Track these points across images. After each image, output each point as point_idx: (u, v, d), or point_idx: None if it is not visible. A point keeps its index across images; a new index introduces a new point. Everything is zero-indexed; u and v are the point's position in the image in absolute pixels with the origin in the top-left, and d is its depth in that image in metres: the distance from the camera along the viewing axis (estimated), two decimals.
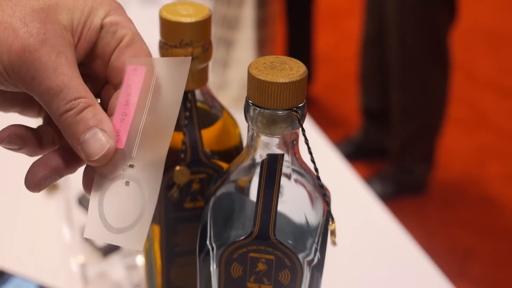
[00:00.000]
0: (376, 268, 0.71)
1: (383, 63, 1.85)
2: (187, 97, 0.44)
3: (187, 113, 0.44)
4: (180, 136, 0.44)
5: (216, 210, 0.41)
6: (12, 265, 0.67)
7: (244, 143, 0.48)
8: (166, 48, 0.42)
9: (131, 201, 0.34)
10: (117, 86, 0.36)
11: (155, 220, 0.47)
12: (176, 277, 0.49)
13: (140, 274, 0.67)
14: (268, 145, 0.39)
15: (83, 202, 0.73)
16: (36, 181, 0.35)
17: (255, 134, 0.39)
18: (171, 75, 0.35)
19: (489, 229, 1.80)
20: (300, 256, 0.38)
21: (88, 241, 0.70)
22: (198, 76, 0.44)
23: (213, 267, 0.40)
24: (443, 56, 1.74)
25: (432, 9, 1.66)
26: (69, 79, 0.33)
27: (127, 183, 0.35)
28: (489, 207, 1.88)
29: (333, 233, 0.40)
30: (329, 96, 2.40)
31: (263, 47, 0.99)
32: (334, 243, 0.41)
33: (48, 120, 0.39)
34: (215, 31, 0.96)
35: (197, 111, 0.44)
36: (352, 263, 0.71)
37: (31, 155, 0.37)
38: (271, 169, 0.37)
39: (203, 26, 0.42)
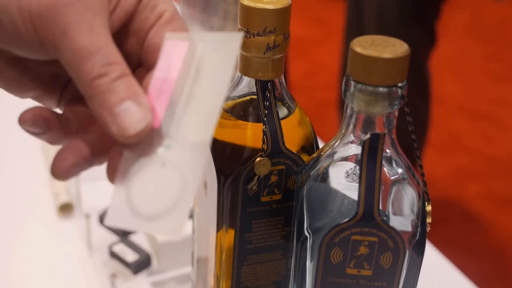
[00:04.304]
0: None
1: None
2: (267, 87, 0.43)
3: (267, 103, 0.43)
4: (256, 128, 0.44)
5: (310, 197, 0.40)
6: None
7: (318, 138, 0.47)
8: (248, 37, 0.41)
9: (166, 185, 0.30)
10: (151, 68, 0.32)
11: (230, 223, 0.45)
12: (246, 276, 0.48)
13: None
14: (367, 124, 0.38)
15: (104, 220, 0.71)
16: (64, 168, 0.31)
17: (354, 114, 0.38)
18: (218, 52, 0.31)
19: (473, 248, 1.83)
20: (404, 235, 0.38)
21: (115, 257, 0.68)
22: (277, 66, 0.43)
23: (309, 256, 0.39)
24: (423, 81, 1.76)
25: (412, 32, 1.69)
26: (105, 41, 0.30)
27: (162, 165, 0.31)
28: (471, 227, 1.91)
29: (429, 214, 0.40)
30: None
31: None
32: (428, 226, 0.40)
33: (69, 109, 0.36)
34: None
35: (275, 101, 0.44)
36: None
37: (53, 142, 0.34)
38: (373, 149, 0.37)
39: (286, 13, 0.41)
